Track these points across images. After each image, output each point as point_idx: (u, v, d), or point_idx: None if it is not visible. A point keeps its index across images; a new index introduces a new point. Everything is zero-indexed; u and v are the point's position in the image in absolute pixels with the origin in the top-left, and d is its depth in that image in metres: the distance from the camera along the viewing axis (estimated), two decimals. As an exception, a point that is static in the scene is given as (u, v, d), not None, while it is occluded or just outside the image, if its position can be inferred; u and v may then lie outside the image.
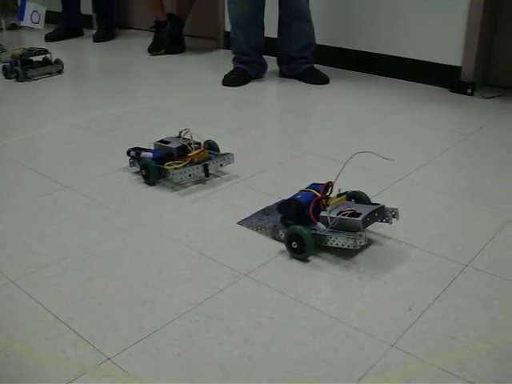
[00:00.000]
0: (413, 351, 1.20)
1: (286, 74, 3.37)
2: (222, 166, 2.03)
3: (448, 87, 3.12)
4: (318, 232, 1.53)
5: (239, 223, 1.73)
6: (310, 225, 1.55)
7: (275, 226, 1.65)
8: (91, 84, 3.52)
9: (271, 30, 3.31)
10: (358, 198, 1.66)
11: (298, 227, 1.52)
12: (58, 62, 3.55)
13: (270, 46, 3.35)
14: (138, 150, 2.05)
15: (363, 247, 1.56)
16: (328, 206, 1.58)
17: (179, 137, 2.07)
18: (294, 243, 1.53)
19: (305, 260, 1.53)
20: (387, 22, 3.31)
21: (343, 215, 1.52)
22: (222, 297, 1.39)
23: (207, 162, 1.98)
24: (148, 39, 4.14)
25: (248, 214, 1.76)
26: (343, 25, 3.49)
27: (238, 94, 3.12)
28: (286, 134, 2.58)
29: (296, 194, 1.63)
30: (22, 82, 3.35)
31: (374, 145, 2.31)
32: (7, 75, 3.43)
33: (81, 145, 2.39)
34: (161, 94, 3.14)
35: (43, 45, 3.93)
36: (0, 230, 1.71)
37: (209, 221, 1.76)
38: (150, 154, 1.99)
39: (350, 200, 1.65)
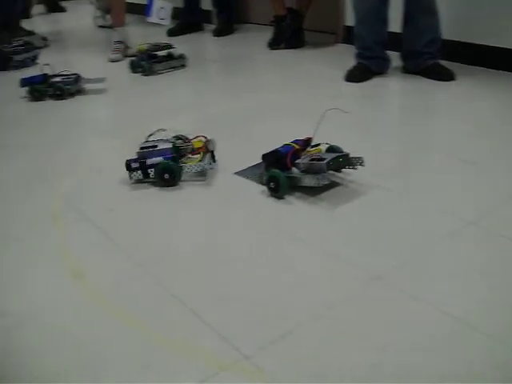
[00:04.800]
0: None
1: (410, 69, 3.26)
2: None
3: None
4: (291, 175, 1.87)
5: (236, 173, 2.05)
6: (287, 171, 1.89)
7: (261, 173, 1.95)
8: (213, 78, 3.58)
9: (393, 24, 3.22)
10: (333, 150, 1.95)
11: (276, 171, 1.86)
12: (181, 56, 3.63)
13: (392, 41, 3.26)
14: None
15: (328, 187, 1.87)
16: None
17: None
18: (271, 183, 1.86)
19: (280, 198, 1.85)
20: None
21: (310, 160, 1.84)
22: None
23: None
24: (267, 34, 4.14)
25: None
26: (475, 18, 3.30)
27: (361, 90, 3.06)
28: (410, 132, 2.49)
29: (279, 147, 1.93)
30: (147, 76, 3.45)
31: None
32: (134, 69, 3.55)
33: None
34: (282, 89, 3.13)
35: (165, 39, 4.04)
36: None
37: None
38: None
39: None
